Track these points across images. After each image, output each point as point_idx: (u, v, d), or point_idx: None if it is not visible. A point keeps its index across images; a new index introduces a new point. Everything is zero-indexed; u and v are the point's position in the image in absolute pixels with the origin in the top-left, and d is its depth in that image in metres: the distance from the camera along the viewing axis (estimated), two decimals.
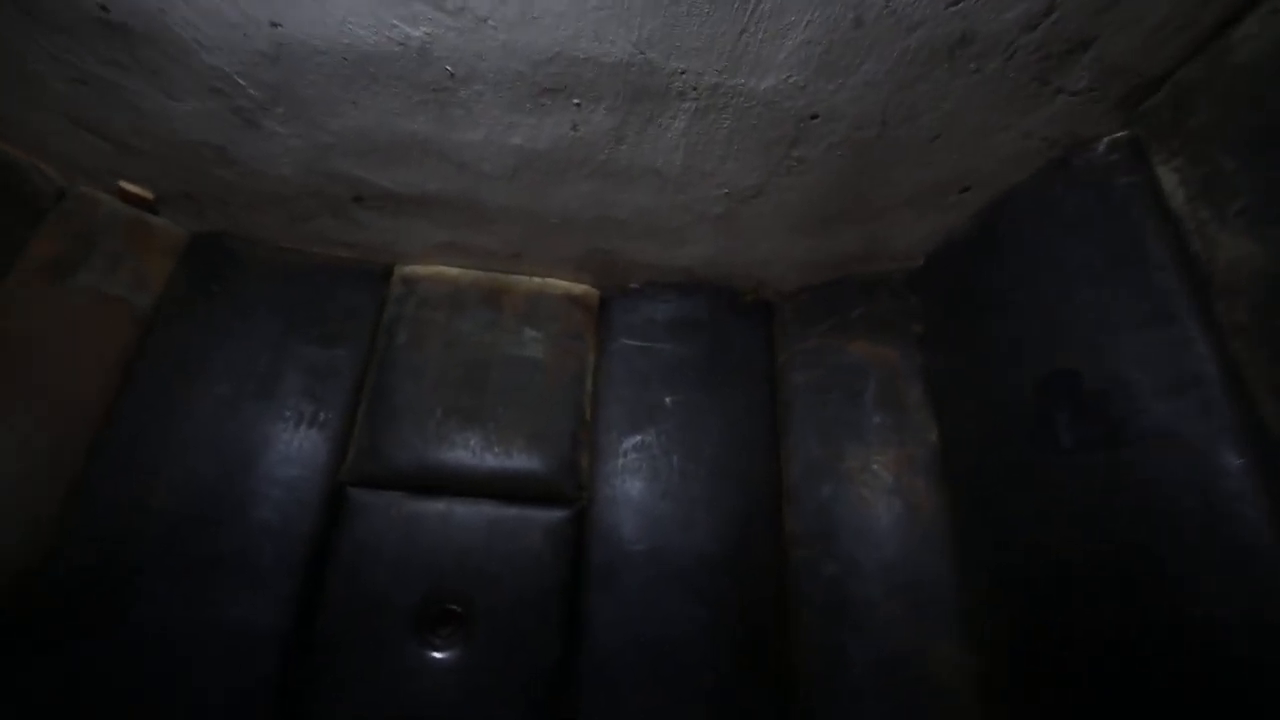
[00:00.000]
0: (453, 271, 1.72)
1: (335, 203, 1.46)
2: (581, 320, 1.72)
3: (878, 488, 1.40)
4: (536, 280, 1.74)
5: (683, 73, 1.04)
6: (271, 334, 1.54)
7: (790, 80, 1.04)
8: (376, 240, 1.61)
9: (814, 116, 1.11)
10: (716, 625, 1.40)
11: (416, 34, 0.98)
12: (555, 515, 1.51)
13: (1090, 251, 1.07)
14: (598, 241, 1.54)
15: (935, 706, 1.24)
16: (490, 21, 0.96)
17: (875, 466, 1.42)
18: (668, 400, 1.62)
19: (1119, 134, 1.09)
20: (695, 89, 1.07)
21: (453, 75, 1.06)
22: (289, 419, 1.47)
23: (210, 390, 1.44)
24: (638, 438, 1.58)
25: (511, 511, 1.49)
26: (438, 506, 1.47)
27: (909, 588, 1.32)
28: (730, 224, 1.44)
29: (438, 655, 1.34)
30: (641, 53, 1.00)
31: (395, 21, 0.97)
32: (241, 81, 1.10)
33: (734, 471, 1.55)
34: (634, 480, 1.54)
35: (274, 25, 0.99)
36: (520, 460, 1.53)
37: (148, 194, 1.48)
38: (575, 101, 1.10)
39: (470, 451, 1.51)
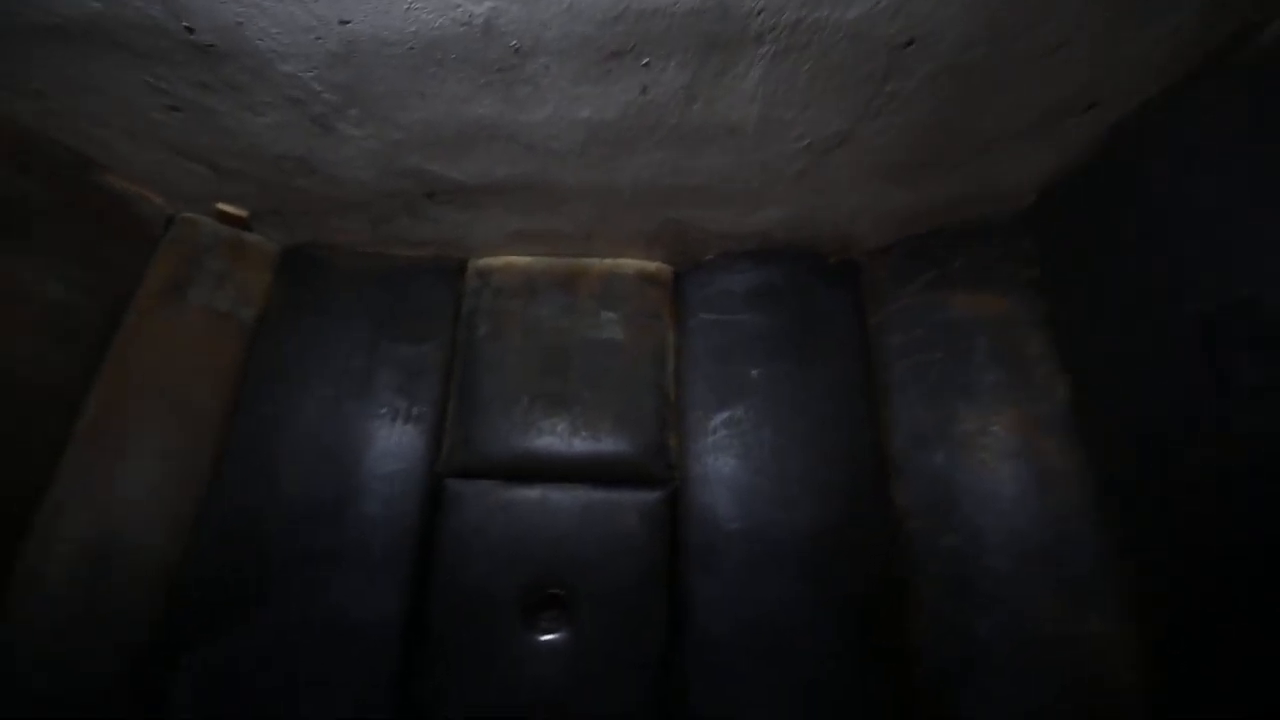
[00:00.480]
0: (524, 260, 1.71)
1: (409, 201, 1.48)
2: (657, 298, 1.68)
3: (1000, 452, 1.28)
4: (609, 261, 1.71)
5: (759, 12, 0.95)
6: (362, 336, 1.59)
7: (881, 4, 0.94)
8: (450, 235, 1.63)
9: (909, 43, 1.00)
10: (822, 603, 1.33)
11: (480, 10, 0.95)
12: (648, 497, 1.48)
13: (1264, 159, 0.90)
14: (670, 212, 1.48)
15: (1081, 684, 1.12)
16: None
17: (995, 429, 1.29)
18: (754, 373, 1.55)
19: None
20: (774, 29, 0.98)
21: (517, 50, 1.03)
22: (385, 416, 1.52)
23: (314, 394, 1.51)
24: (726, 414, 1.52)
25: (604, 495, 1.48)
26: (533, 493, 1.48)
27: (1044, 558, 1.20)
28: (812, 179, 1.34)
29: (544, 639, 1.36)
30: None
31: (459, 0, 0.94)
32: (316, 87, 1.12)
33: (831, 443, 1.46)
34: (725, 458, 1.48)
35: (343, 23, 0.99)
36: (608, 443, 1.51)
37: (242, 213, 1.56)
38: (644, 61, 1.04)
39: (559, 437, 1.51)
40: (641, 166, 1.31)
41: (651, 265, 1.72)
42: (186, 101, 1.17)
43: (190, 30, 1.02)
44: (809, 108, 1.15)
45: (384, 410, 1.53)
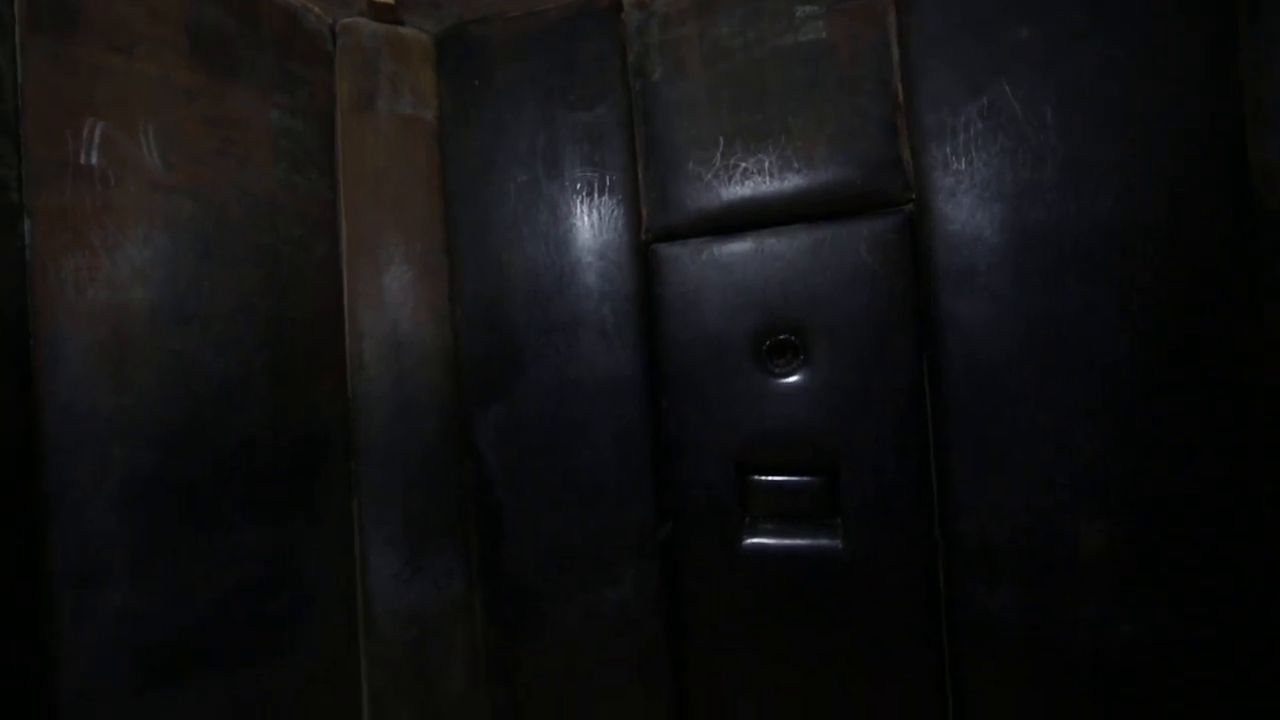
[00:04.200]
0: None
1: None
2: None
3: None
4: None
5: None
6: (537, 111, 1.50)
7: None
8: None
9: None
10: (1125, 309, 1.08)
11: None
12: (879, 225, 1.28)
13: None
14: None
15: None
16: None
17: None
18: (1023, 34, 1.14)
19: None
20: None
21: None
22: (581, 190, 1.48)
23: (512, 179, 1.51)
24: (981, 100, 1.18)
25: (826, 231, 1.32)
26: (745, 244, 1.37)
27: None
28: None
29: (782, 382, 1.35)
30: None
31: None
32: None
33: (1153, 108, 1.06)
34: (981, 157, 1.18)
35: None
36: (826, 171, 1.30)
37: None
38: None
39: (766, 176, 1.34)
40: None
41: None
42: None
43: None
44: None
45: (579, 185, 1.48)
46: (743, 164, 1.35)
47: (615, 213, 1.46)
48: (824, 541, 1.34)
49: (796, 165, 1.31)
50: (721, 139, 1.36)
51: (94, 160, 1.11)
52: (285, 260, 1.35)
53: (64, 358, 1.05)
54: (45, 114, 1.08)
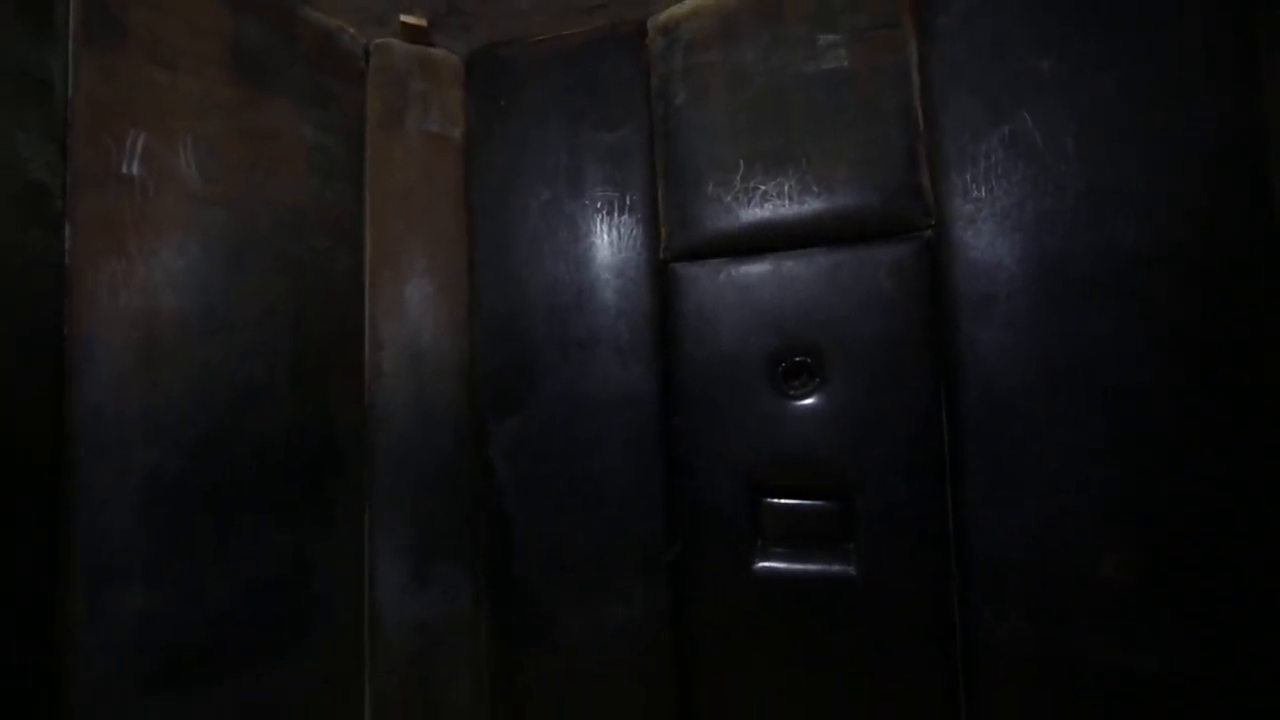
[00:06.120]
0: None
1: None
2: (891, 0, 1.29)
3: None
4: None
5: None
6: (561, 131, 1.53)
7: None
8: None
9: None
10: (1144, 335, 1.07)
11: None
12: (898, 250, 1.29)
13: None
14: None
15: None
16: None
17: None
18: (1045, 66, 1.15)
19: None
20: None
21: None
22: (602, 209, 1.50)
23: (534, 197, 1.53)
24: (1002, 129, 1.18)
25: (845, 255, 1.32)
26: (763, 265, 1.38)
27: None
28: None
29: (796, 404, 1.34)
30: None
31: None
32: None
33: (1173, 130, 1.07)
34: (1002, 186, 1.19)
35: None
36: (845, 196, 1.31)
37: (422, 21, 1.51)
38: None
39: (785, 200, 1.35)
40: None
41: None
42: None
43: None
44: None
45: (600, 204, 1.50)
46: (762, 187, 1.36)
47: (635, 232, 1.48)
48: (837, 567, 1.32)
49: (816, 189, 1.32)
50: (742, 162, 1.38)
51: (135, 170, 1.15)
52: (311, 270, 1.38)
53: (96, 360, 1.07)
54: (91, 124, 1.12)
